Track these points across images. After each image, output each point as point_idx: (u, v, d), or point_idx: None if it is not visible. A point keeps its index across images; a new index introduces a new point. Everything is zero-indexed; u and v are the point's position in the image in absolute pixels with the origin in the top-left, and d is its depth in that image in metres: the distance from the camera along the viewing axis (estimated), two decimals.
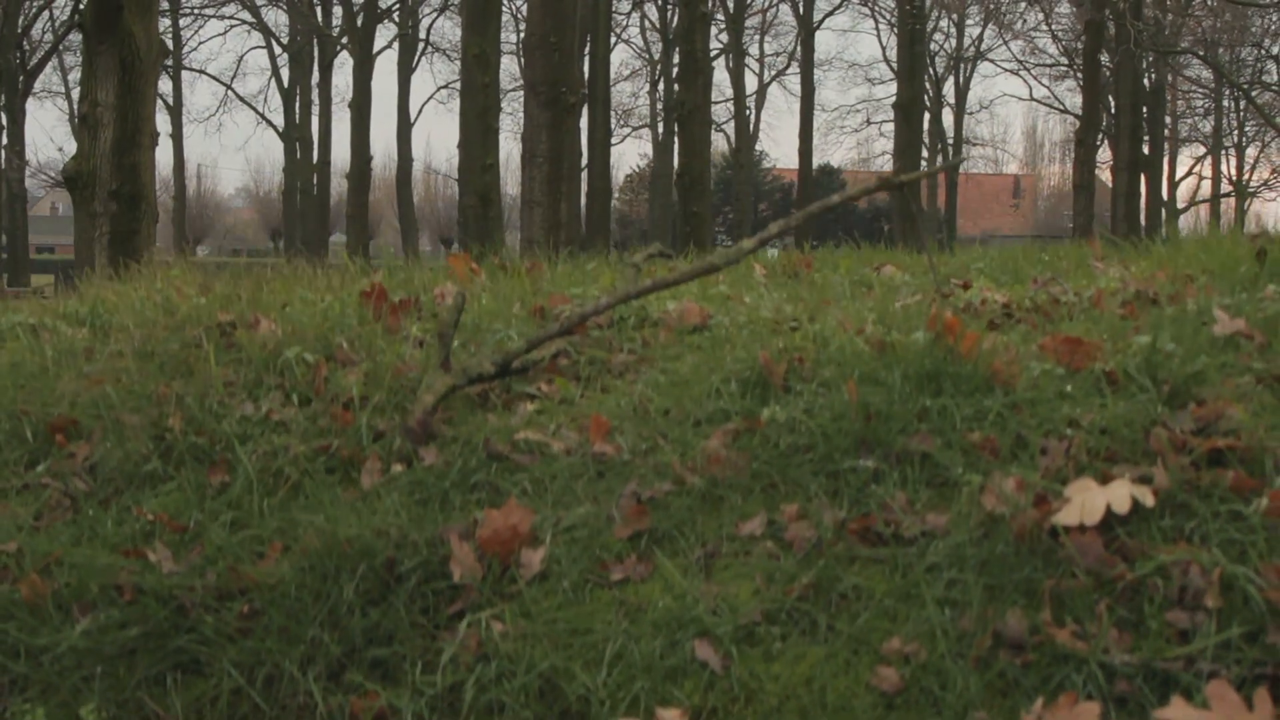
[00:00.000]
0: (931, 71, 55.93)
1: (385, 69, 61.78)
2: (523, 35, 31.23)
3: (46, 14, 44.57)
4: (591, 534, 2.60)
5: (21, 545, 2.67)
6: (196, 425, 2.85)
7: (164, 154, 54.84)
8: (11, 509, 2.74)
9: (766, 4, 55.60)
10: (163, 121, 54.29)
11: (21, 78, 43.24)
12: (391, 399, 2.94)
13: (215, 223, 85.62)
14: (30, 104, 45.91)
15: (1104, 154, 44.18)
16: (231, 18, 53.77)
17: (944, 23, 54.45)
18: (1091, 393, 2.79)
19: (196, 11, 52.19)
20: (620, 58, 65.53)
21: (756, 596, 2.47)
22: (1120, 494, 2.52)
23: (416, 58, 52.26)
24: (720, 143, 60.71)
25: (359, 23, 40.39)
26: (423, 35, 52.95)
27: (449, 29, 60.55)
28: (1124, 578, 2.41)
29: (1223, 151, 63.66)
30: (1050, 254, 5.16)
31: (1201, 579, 2.40)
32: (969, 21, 53.62)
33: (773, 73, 60.79)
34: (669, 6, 49.70)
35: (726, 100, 54.86)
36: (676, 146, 35.77)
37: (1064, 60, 48.03)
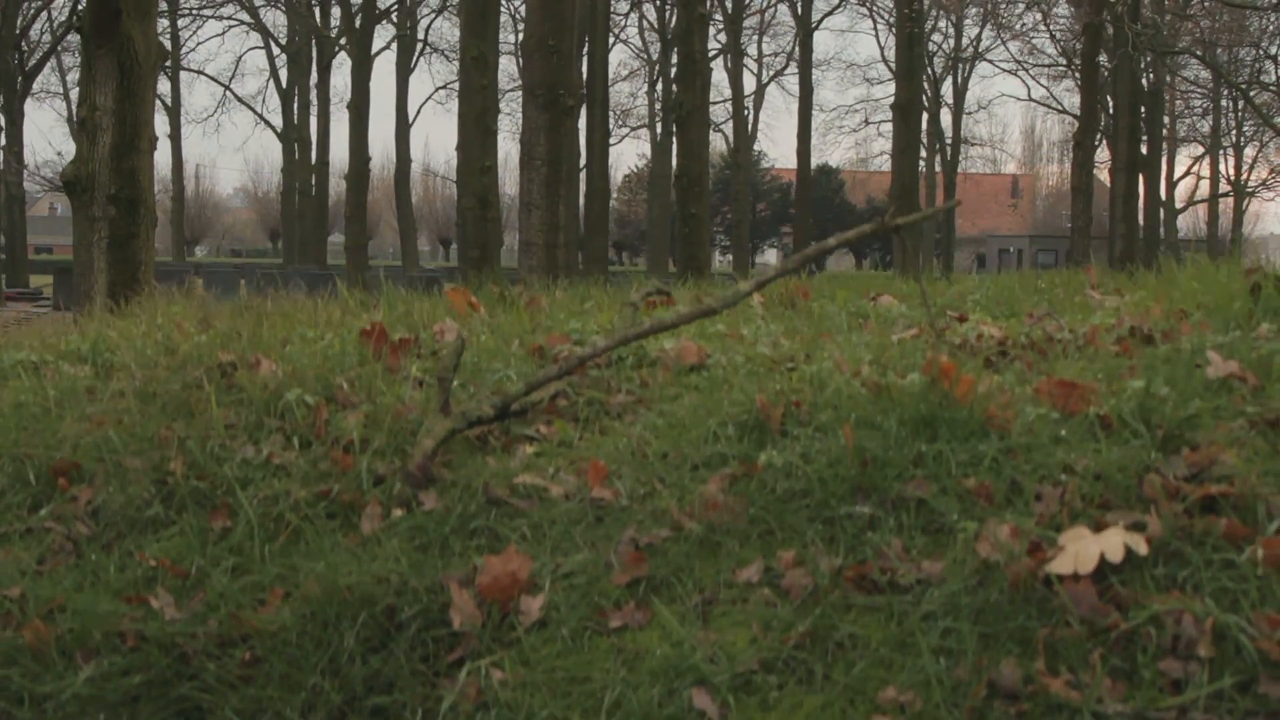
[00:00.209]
0: (930, 72, 55.95)
1: (384, 69, 61.99)
2: (521, 37, 31.24)
3: (45, 15, 44.57)
4: (590, 581, 2.62)
5: (25, 590, 2.69)
6: (198, 469, 2.87)
7: (162, 155, 54.78)
8: (15, 553, 2.77)
9: (765, 4, 55.61)
10: (161, 122, 54.33)
11: (20, 79, 43.24)
12: (392, 441, 2.96)
13: (213, 223, 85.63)
14: (29, 105, 45.88)
15: (1102, 154, 44.24)
16: (230, 18, 53.75)
17: (942, 23, 54.44)
18: (1086, 437, 2.82)
19: (195, 12, 52.25)
20: (618, 58, 65.59)
21: (753, 645, 2.49)
22: (1114, 542, 2.54)
23: (415, 58, 52.29)
24: (719, 143, 60.73)
25: (357, 23, 40.39)
26: (421, 36, 52.97)
27: (447, 29, 60.61)
28: (1118, 627, 2.44)
29: (1221, 151, 63.70)
30: (1046, 281, 5.19)
31: (1194, 628, 2.43)
32: (967, 21, 53.60)
33: (771, 73, 60.80)
34: (667, 7, 49.72)
35: (725, 100, 54.87)
36: (675, 147, 35.82)
37: (1062, 61, 48.04)
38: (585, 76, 35.68)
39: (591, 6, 35.56)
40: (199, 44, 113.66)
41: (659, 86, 55.65)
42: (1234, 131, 61.17)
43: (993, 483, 2.72)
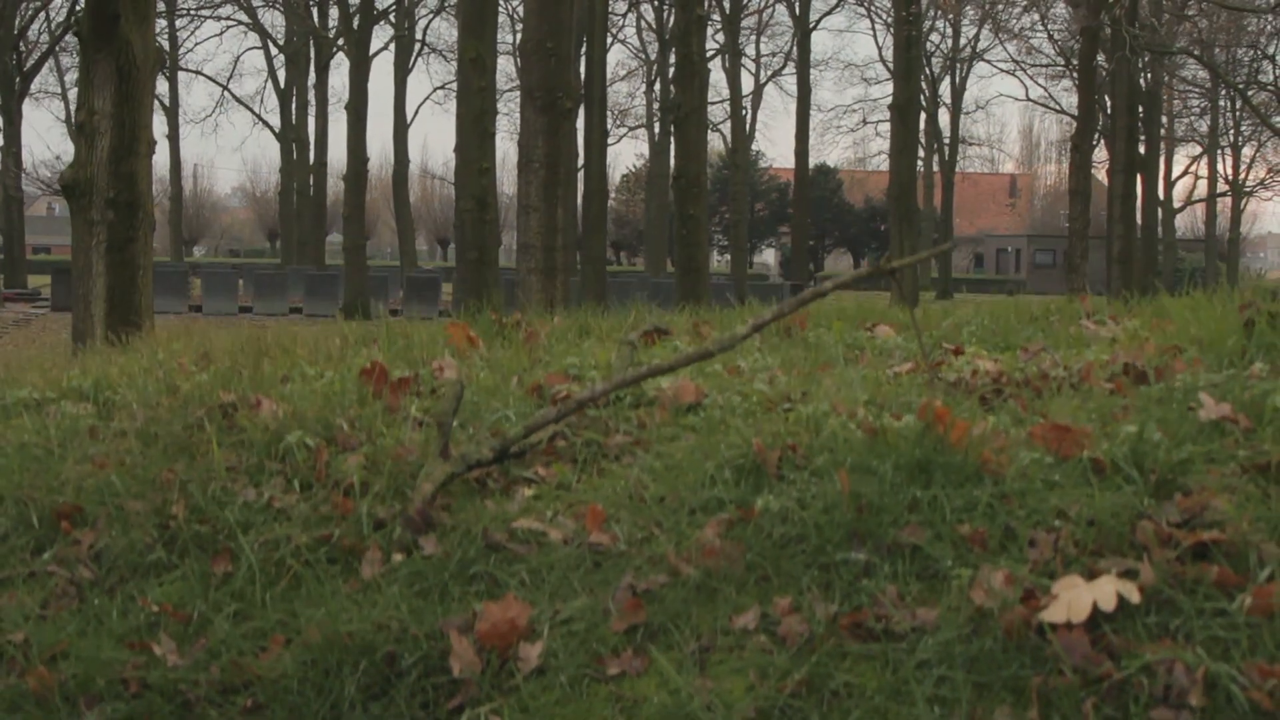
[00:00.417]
0: (928, 72, 56.01)
1: (382, 70, 61.85)
2: (519, 38, 31.24)
3: (43, 15, 44.55)
4: (588, 627, 2.65)
5: (28, 635, 2.72)
6: (200, 513, 2.90)
7: (160, 155, 54.73)
8: (19, 597, 2.79)
9: (762, 4, 55.64)
10: (159, 122, 54.32)
11: (18, 79, 43.22)
12: (391, 484, 2.99)
13: (211, 223, 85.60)
14: (26, 105, 45.84)
15: (1100, 154, 44.27)
16: (228, 19, 53.78)
17: (940, 23, 54.45)
18: (1079, 482, 2.85)
19: (193, 13, 52.25)
20: (616, 58, 65.50)
21: (750, 693, 2.52)
22: (1106, 591, 2.57)
23: (413, 58, 52.32)
24: (716, 143, 60.78)
25: (355, 24, 40.37)
26: (419, 36, 53.00)
27: (445, 30, 60.60)
28: (1110, 676, 2.47)
29: (1219, 151, 63.77)
30: (1041, 309, 5.22)
31: (1186, 677, 2.46)
32: (965, 22, 53.63)
33: (769, 73, 60.87)
34: (665, 7, 49.73)
35: (723, 101, 54.89)
36: (673, 148, 35.83)
37: (1060, 60, 48.07)
38: (583, 77, 35.68)
39: (590, 7, 35.55)
40: (197, 44, 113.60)
41: (657, 86, 55.71)
42: (1232, 131, 61.25)
43: (987, 528, 2.75)
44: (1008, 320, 4.91)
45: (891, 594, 2.65)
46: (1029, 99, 75.82)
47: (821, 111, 69.99)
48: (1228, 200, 66.19)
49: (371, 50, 42.16)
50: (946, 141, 62.80)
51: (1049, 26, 44.57)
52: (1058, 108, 56.20)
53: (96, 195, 10.63)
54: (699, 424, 3.26)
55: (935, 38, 56.20)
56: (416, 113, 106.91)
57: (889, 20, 49.80)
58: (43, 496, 2.97)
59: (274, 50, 55.46)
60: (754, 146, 65.74)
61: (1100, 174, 46.85)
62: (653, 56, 56.67)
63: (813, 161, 56.52)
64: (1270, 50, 47.15)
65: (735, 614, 2.66)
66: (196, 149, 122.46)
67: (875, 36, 78.00)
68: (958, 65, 61.04)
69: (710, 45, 46.78)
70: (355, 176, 39.05)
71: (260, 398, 3.31)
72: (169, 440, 3.16)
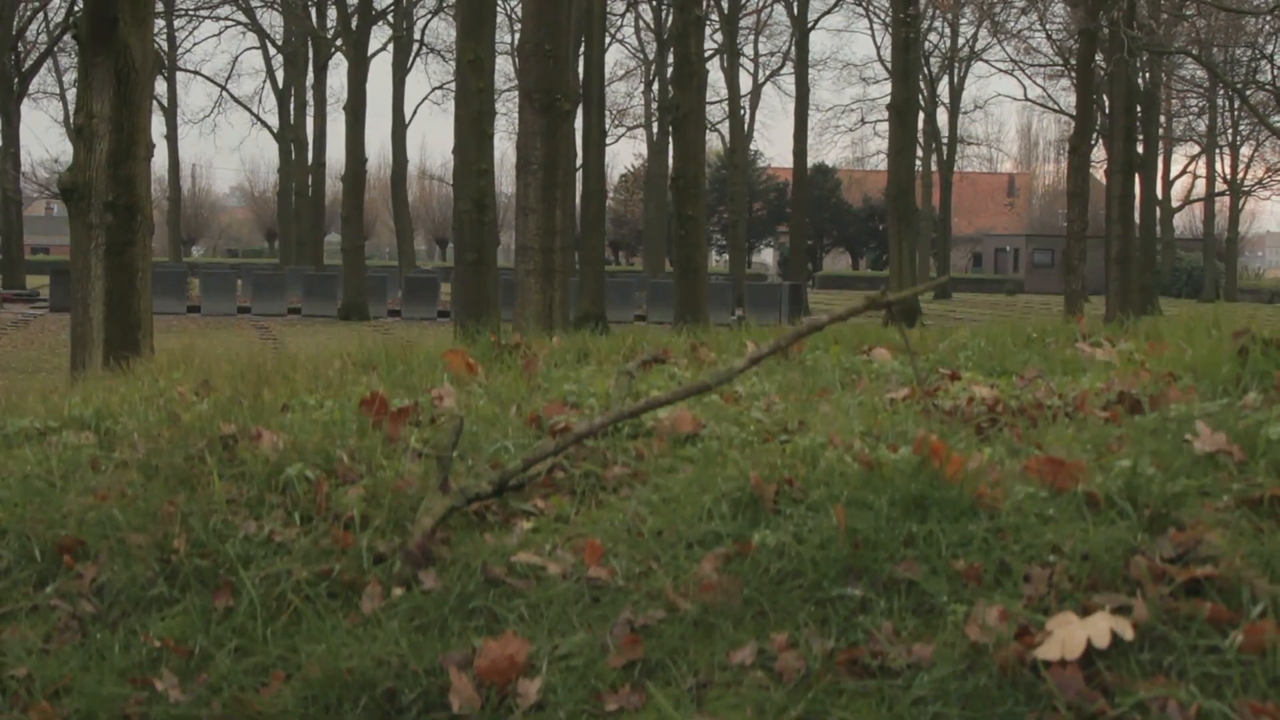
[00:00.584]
0: (926, 71, 56.05)
1: (380, 70, 61.89)
2: (518, 38, 31.24)
3: (41, 16, 44.54)
4: (587, 663, 2.67)
5: (31, 670, 2.74)
6: (200, 547, 2.92)
7: (159, 155, 54.69)
8: (21, 631, 2.81)
9: (761, 4, 55.67)
10: (157, 123, 54.32)
11: (16, 80, 43.20)
12: (391, 517, 3.01)
13: (210, 223, 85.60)
14: (24, 106, 45.84)
15: (1098, 153, 44.29)
16: (226, 19, 53.82)
17: (938, 23, 54.46)
18: (1074, 516, 2.87)
19: (191, 13, 52.25)
20: (615, 57, 65.58)
21: None
22: (1100, 628, 2.59)
23: (411, 58, 52.34)
24: (715, 142, 60.84)
25: (353, 25, 40.37)
26: (417, 36, 53.03)
27: (444, 30, 60.57)
28: (1104, 713, 2.49)
29: (1217, 150, 63.83)
30: (1037, 331, 5.24)
31: (1179, 715, 2.48)
32: (963, 21, 53.63)
33: (767, 73, 60.91)
34: (663, 7, 49.75)
35: (721, 100, 54.95)
36: (671, 149, 35.85)
37: (1058, 60, 48.09)
38: (582, 77, 35.70)
39: (588, 7, 35.58)
40: (195, 44, 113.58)
41: (655, 86, 55.71)
42: (1230, 131, 61.31)
43: (982, 564, 2.77)
44: (1004, 343, 4.93)
45: (887, 630, 2.67)
46: (1027, 99, 75.77)
47: (820, 111, 70.13)
48: (1226, 200, 66.24)
49: (370, 50, 42.16)
50: (945, 141, 62.84)
51: (1047, 26, 44.58)
52: (1056, 107, 56.25)
53: (95, 199, 10.65)
54: (696, 455, 3.28)
55: (933, 37, 56.25)
56: (415, 113, 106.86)
57: (887, 20, 49.84)
58: (45, 530, 2.99)
59: (272, 50, 55.49)
60: (752, 146, 65.76)
61: (1099, 174, 46.90)
62: (651, 56, 56.70)
63: (811, 161, 56.55)
64: (1268, 50, 47.21)
65: (732, 650, 2.68)
66: (195, 149, 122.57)
67: (873, 36, 78.03)
68: (956, 65, 61.06)
69: (708, 45, 46.81)
70: (353, 177, 39.07)
71: (260, 429, 3.33)
72: (170, 472, 3.19)
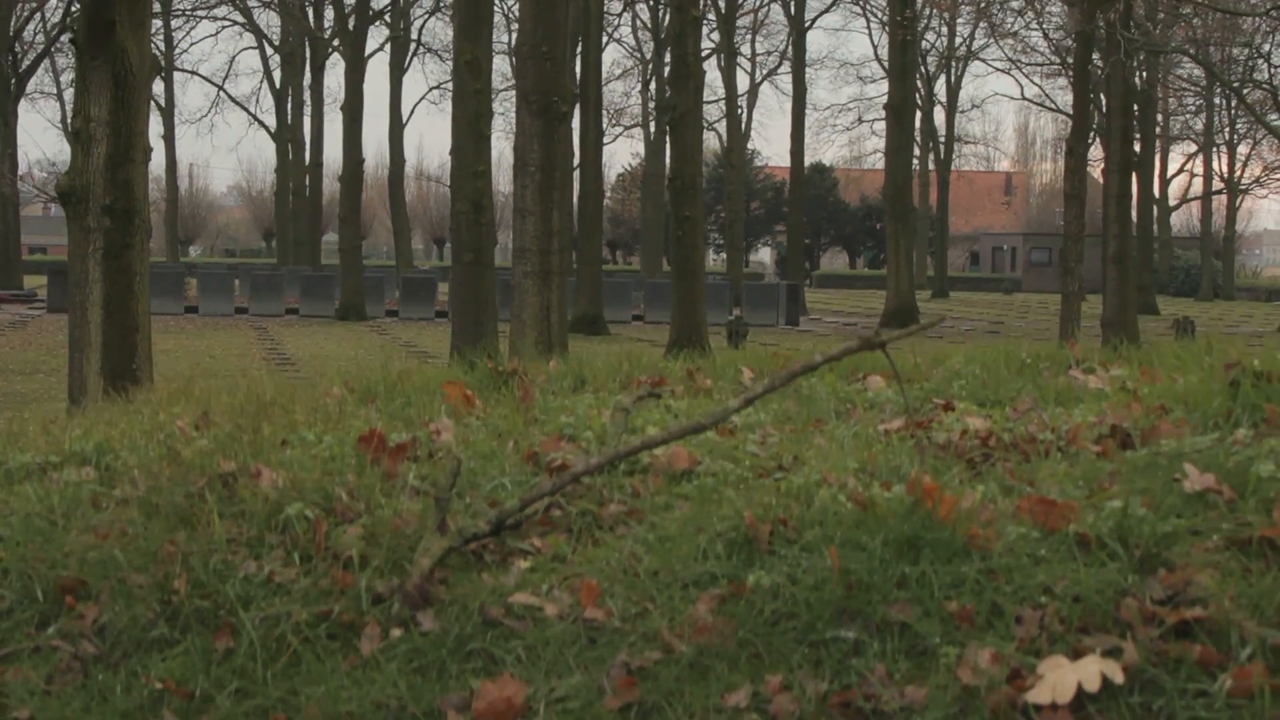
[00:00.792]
0: (923, 70, 56.11)
1: (377, 69, 61.89)
2: (515, 38, 31.24)
3: (38, 16, 44.51)
4: (583, 705, 2.70)
5: (34, 712, 2.76)
6: (201, 587, 2.95)
7: (156, 155, 54.68)
8: (24, 672, 2.84)
9: (758, 4, 55.71)
10: (155, 123, 54.34)
11: (13, 81, 43.18)
12: (390, 557, 3.04)
13: (207, 222, 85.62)
14: (22, 106, 45.81)
15: (1096, 152, 44.34)
16: (223, 19, 53.82)
17: (935, 22, 54.49)
18: (1065, 557, 2.90)
19: (188, 13, 52.23)
20: (612, 57, 65.62)
21: None
22: (1090, 671, 2.63)
23: (408, 58, 52.34)
24: (712, 141, 60.89)
25: (350, 25, 40.35)
26: (414, 36, 52.99)
27: (441, 29, 60.57)
28: None
29: (1214, 149, 63.90)
30: (1031, 357, 5.27)
31: None
32: (960, 20, 53.66)
33: (764, 72, 60.94)
34: (660, 6, 49.77)
35: (718, 100, 55.01)
36: (668, 150, 35.87)
37: (1055, 59, 48.12)
38: (579, 77, 35.73)
39: (585, 7, 35.60)
40: (192, 44, 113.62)
41: (652, 86, 55.73)
42: (1227, 129, 61.39)
43: (974, 605, 2.80)
44: (998, 370, 4.97)
45: (880, 673, 2.71)
46: (1024, 98, 75.90)
47: (817, 110, 70.26)
48: (1223, 198, 66.34)
49: (367, 51, 42.17)
50: (942, 140, 62.88)
51: (1044, 25, 44.62)
52: (1053, 106, 56.32)
53: (93, 202, 10.67)
54: (692, 492, 3.32)
55: (930, 36, 56.28)
56: (412, 112, 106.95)
57: (884, 19, 49.85)
58: (47, 570, 3.02)
59: (269, 50, 55.51)
60: (750, 145, 65.77)
61: (1096, 173, 46.95)
62: (648, 56, 56.72)
63: (808, 160, 56.55)
64: (1265, 49, 47.29)
65: (727, 692, 2.71)
66: (192, 149, 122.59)
67: (870, 35, 78.09)
68: (953, 64, 61.09)
69: (705, 44, 46.79)
70: (351, 177, 39.08)
71: (260, 467, 3.36)
72: (170, 510, 3.22)
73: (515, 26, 40.14)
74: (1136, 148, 41.16)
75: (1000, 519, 3.01)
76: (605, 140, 46.66)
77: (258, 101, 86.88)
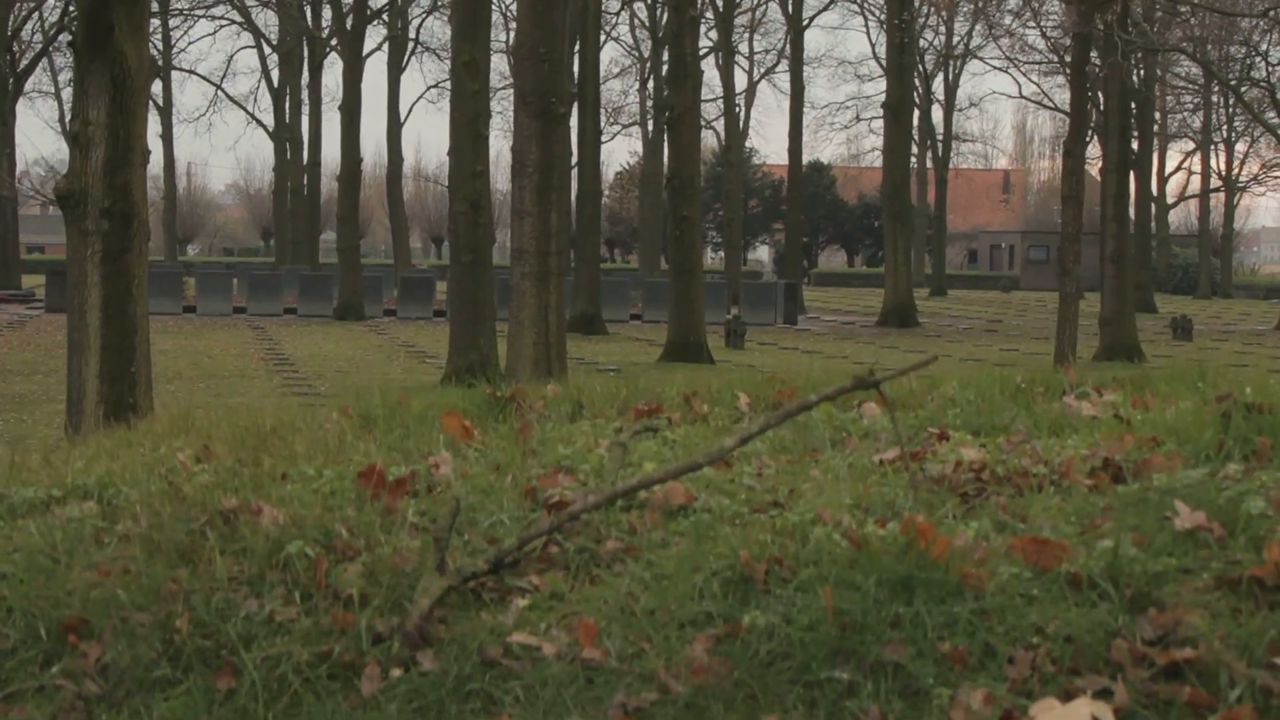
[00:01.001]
0: (921, 69, 56.14)
1: (375, 68, 61.83)
2: (513, 41, 31.25)
3: (36, 15, 44.50)
4: None
5: None
6: (203, 626, 2.98)
7: (155, 154, 54.69)
8: (28, 712, 2.87)
9: (755, 2, 55.76)
10: (152, 122, 54.36)
11: (11, 80, 43.18)
12: (390, 596, 3.08)
13: (205, 221, 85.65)
14: (20, 105, 45.81)
15: (1093, 149, 44.38)
16: (221, 18, 53.84)
17: (933, 20, 54.52)
18: (1057, 597, 2.94)
19: (186, 12, 52.24)
20: (610, 55, 65.65)
21: None
22: (1081, 714, 2.66)
23: (406, 57, 52.37)
24: (710, 140, 60.93)
25: (348, 24, 40.34)
26: (412, 35, 53.00)
27: (439, 28, 60.64)
28: None
29: (1212, 146, 63.95)
30: (1026, 382, 5.31)
31: None
32: (958, 19, 53.69)
33: (762, 70, 61.05)
34: (658, 5, 49.78)
35: (716, 98, 55.07)
36: (666, 149, 35.88)
37: (1052, 57, 48.15)
38: (577, 77, 35.75)
39: (583, 7, 35.62)
40: (190, 44, 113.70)
41: (650, 84, 55.77)
42: (1225, 127, 61.45)
43: (967, 646, 2.83)
44: (993, 397, 5.01)
45: (874, 714, 2.74)
46: (1022, 96, 76.01)
47: (815, 109, 70.26)
48: (1221, 195, 66.40)
49: (365, 50, 42.14)
50: (940, 138, 62.92)
51: (1041, 24, 44.66)
52: (1051, 105, 56.34)
53: (91, 206, 10.70)
54: (688, 529, 3.35)
55: (928, 34, 56.29)
56: (410, 111, 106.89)
57: (882, 17, 49.90)
58: (50, 608, 3.05)
59: (267, 50, 55.54)
60: (747, 143, 65.86)
61: (1094, 171, 46.99)
62: (646, 54, 56.75)
63: (806, 158, 56.64)
64: (1262, 47, 47.32)
65: None
66: (190, 148, 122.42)
67: (868, 33, 78.18)
68: (951, 62, 61.11)
69: (703, 43, 46.82)
70: (349, 177, 39.09)
71: (261, 504, 3.39)
72: (172, 547, 3.25)
73: (514, 25, 40.15)
74: (1134, 146, 41.19)
75: (993, 558, 3.04)
76: (603, 139, 46.70)
77: (256, 101, 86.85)
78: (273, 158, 57.75)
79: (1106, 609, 2.89)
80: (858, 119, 67.53)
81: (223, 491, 3.55)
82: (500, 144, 77.24)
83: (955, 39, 58.21)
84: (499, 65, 50.00)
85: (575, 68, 35.74)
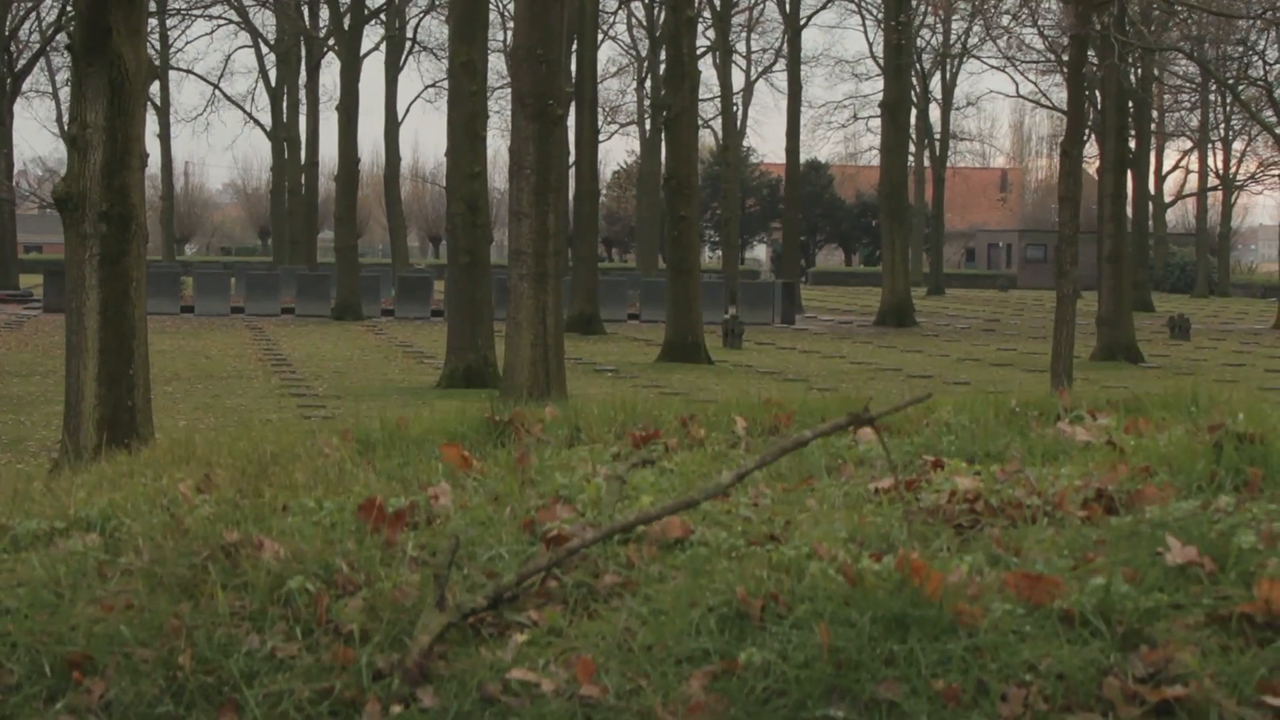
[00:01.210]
0: (918, 68, 56.14)
1: (373, 68, 62.03)
2: (510, 43, 31.28)
3: (34, 15, 44.49)
4: None
5: None
6: (205, 663, 3.01)
7: (152, 154, 54.69)
8: None
9: (753, 1, 55.73)
10: (150, 121, 54.29)
11: (9, 80, 43.16)
12: (390, 631, 3.11)
13: (203, 220, 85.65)
14: (18, 105, 45.79)
15: (1091, 148, 44.43)
16: (219, 18, 53.83)
17: (930, 19, 54.54)
18: (1050, 634, 2.97)
19: (184, 12, 52.22)
20: (607, 54, 65.60)
21: None
22: None
23: (404, 57, 52.40)
24: (708, 138, 60.93)
25: (346, 24, 40.33)
26: (410, 35, 53.00)
27: (436, 28, 60.66)
28: None
29: (1209, 145, 63.99)
30: (1020, 405, 5.35)
31: None
32: (955, 17, 53.70)
33: (759, 69, 61.09)
34: (655, 5, 49.79)
35: (714, 97, 55.09)
36: (664, 150, 35.89)
37: (1050, 55, 48.15)
38: (574, 77, 35.77)
39: (580, 6, 35.65)
40: (188, 43, 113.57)
41: (648, 83, 55.78)
42: (1222, 126, 61.50)
43: (961, 683, 2.87)
44: (987, 422, 5.05)
45: None
46: (1019, 95, 76.02)
47: (812, 108, 70.21)
48: (1218, 194, 66.45)
49: (363, 50, 42.13)
50: (937, 137, 62.95)
51: (1039, 23, 44.68)
52: (1048, 103, 56.35)
53: (89, 209, 10.73)
54: (685, 563, 3.39)
55: (925, 34, 56.29)
56: (408, 110, 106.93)
57: (879, 16, 49.93)
58: (54, 644, 3.08)
59: (265, 49, 55.50)
60: (745, 142, 65.94)
61: (1091, 169, 47.02)
62: (643, 54, 56.75)
63: (804, 157, 56.69)
64: (1260, 46, 47.34)
65: None
66: (188, 147, 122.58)
67: (866, 33, 78.14)
68: (948, 62, 61.12)
69: (701, 42, 46.83)
70: (347, 177, 39.10)
71: (262, 539, 3.43)
72: (174, 582, 3.28)
73: (511, 25, 40.18)
74: (1131, 145, 41.22)
75: (987, 593, 3.08)
76: (601, 138, 46.71)
77: (253, 100, 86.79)
78: (270, 157, 57.75)
79: (1098, 646, 2.93)
80: (855, 118, 67.51)
81: (224, 524, 3.59)
82: (498, 143, 77.21)
83: (953, 38, 58.24)
84: (497, 65, 50.01)
85: (572, 67, 35.76)
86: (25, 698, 3.03)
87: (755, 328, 35.00)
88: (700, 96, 45.23)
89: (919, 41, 53.40)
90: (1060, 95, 50.93)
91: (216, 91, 58.42)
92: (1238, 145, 63.41)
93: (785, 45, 52.53)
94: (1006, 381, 23.86)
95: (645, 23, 53.37)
